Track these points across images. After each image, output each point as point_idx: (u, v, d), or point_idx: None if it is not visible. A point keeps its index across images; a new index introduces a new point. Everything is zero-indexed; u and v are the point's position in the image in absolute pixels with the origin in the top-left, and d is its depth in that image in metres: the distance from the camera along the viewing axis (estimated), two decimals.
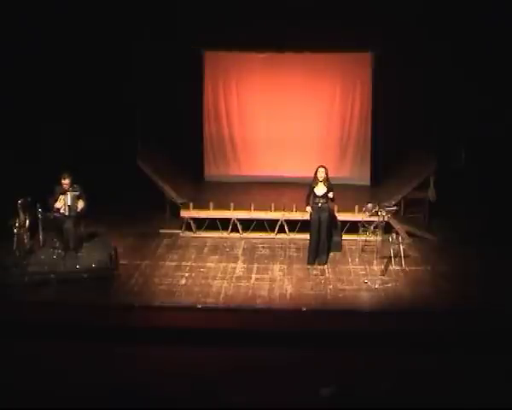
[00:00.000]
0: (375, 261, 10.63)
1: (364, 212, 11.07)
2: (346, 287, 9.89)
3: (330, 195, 10.54)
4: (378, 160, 14.09)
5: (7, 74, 11.52)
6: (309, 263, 10.74)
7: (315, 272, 10.48)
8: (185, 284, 9.92)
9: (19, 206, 10.38)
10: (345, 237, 11.73)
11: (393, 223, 11.60)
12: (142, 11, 12.55)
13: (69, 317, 8.69)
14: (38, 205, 10.53)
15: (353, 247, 11.57)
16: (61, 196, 10.24)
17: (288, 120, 14.05)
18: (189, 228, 12.20)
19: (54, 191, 10.29)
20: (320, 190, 10.60)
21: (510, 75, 12.04)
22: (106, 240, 11.06)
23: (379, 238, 10.66)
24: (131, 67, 12.78)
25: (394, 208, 11.37)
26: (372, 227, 10.97)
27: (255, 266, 10.74)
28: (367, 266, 10.66)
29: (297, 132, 14.06)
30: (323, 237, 10.75)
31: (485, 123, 12.37)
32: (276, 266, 10.72)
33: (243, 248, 11.56)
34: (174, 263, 10.79)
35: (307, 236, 10.95)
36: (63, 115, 12.69)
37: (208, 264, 10.78)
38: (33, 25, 11.79)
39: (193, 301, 9.31)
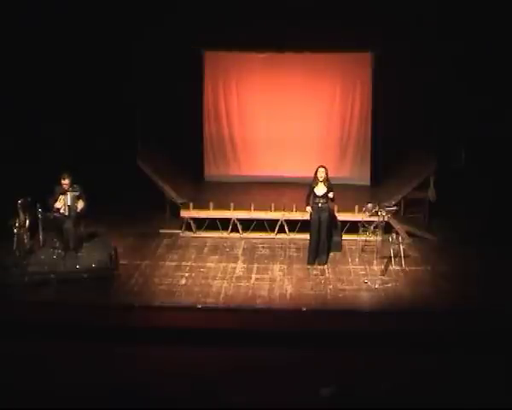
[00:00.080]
0: (375, 261, 10.63)
1: (364, 212, 11.08)
2: (346, 287, 9.89)
3: (330, 195, 10.54)
4: (378, 160, 14.09)
5: (7, 74, 11.52)
6: (309, 263, 10.74)
7: (315, 272, 10.48)
8: (185, 284, 9.92)
9: (19, 206, 10.38)
10: (345, 237, 11.73)
11: (393, 223, 11.60)
12: (142, 11, 12.55)
13: (69, 317, 8.69)
14: (38, 205, 10.53)
15: (353, 247, 11.57)
16: (61, 196, 10.25)
17: (288, 120, 14.05)
18: (189, 228, 12.20)
19: (54, 191, 10.29)
20: (320, 190, 10.60)
21: (510, 75, 12.03)
22: (106, 240, 11.06)
23: (379, 238, 10.66)
24: (131, 67, 12.78)
25: (394, 208, 11.37)
26: (372, 227, 10.97)
27: (255, 266, 10.75)
28: (367, 266, 10.66)
29: (297, 132, 14.06)
30: (323, 237, 10.75)
31: (485, 123, 12.36)
32: (276, 266, 10.72)
33: (243, 248, 11.56)
34: (174, 263, 10.79)
35: (307, 236, 10.95)
36: (63, 115, 12.69)
37: (208, 264, 10.78)
38: (33, 25, 11.79)
39: (193, 301, 9.31)
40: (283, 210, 12.04)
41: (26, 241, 10.50)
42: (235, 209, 12.09)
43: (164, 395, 6.15)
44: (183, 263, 10.80)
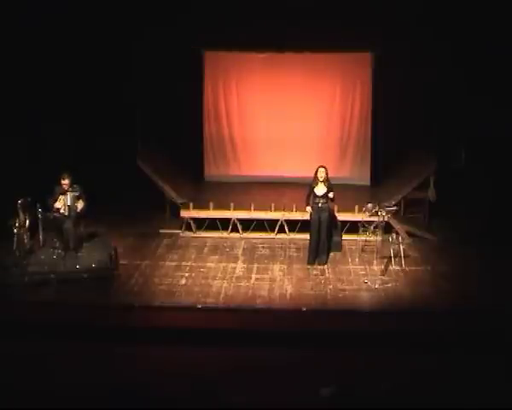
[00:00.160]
0: (375, 261, 10.63)
1: (364, 212, 11.08)
2: (346, 287, 9.89)
3: (330, 195, 10.54)
4: (378, 160, 14.09)
5: (7, 74, 11.52)
6: (309, 263, 10.74)
7: (315, 272, 10.48)
8: (185, 284, 9.92)
9: (19, 206, 10.38)
10: (345, 237, 11.73)
11: (393, 223, 11.60)
12: (142, 11, 12.55)
13: (69, 317, 8.69)
14: (38, 205, 10.53)
15: (353, 247, 11.57)
16: (61, 197, 10.25)
17: (287, 120, 14.05)
18: (189, 228, 12.20)
19: (54, 191, 10.29)
20: (320, 190, 10.60)
21: (510, 75, 12.03)
22: (106, 240, 11.06)
23: (379, 238, 10.66)
24: (131, 67, 12.79)
25: (394, 208, 11.37)
26: (372, 227, 10.97)
27: (255, 266, 10.75)
28: (367, 266, 10.66)
29: (297, 132, 14.06)
30: (323, 237, 10.75)
31: (485, 123, 12.36)
32: (276, 266, 10.72)
33: (243, 248, 11.56)
34: (174, 263, 10.79)
35: (307, 236, 10.95)
36: (63, 115, 12.69)
37: (208, 264, 10.78)
38: (33, 25, 11.79)
39: (193, 301, 9.31)
40: (283, 210, 12.04)
41: (26, 241, 10.49)
42: (235, 209, 12.09)
43: (164, 395, 6.15)
44: (183, 263, 10.80)
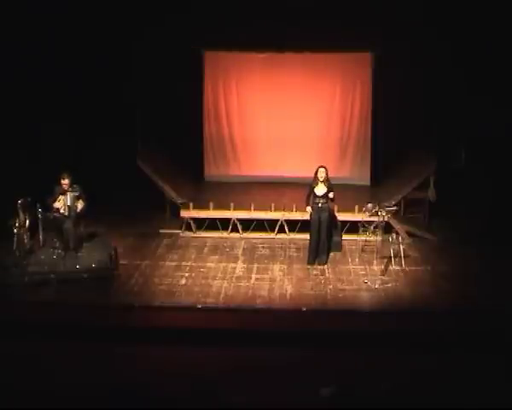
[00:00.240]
0: (375, 261, 10.63)
1: (364, 212, 11.08)
2: (346, 287, 9.89)
3: (331, 195, 10.54)
4: (378, 160, 14.09)
5: (7, 74, 11.51)
6: (309, 263, 10.74)
7: (315, 272, 10.48)
8: (185, 284, 9.92)
9: (19, 206, 10.37)
10: (345, 237, 11.73)
11: (393, 223, 11.60)
12: (142, 11, 12.55)
13: (69, 317, 8.69)
14: (38, 205, 10.53)
15: (353, 247, 11.57)
16: (61, 197, 10.25)
17: (288, 120, 14.05)
18: (189, 228, 12.20)
19: (54, 191, 10.28)
20: (320, 190, 10.60)
21: (510, 75, 12.03)
22: (106, 240, 11.06)
23: (379, 238, 10.66)
24: (131, 67, 12.79)
25: (394, 208, 11.37)
26: (372, 227, 10.97)
27: (255, 266, 10.75)
28: (367, 266, 10.66)
29: (297, 132, 14.05)
30: (323, 237, 10.75)
31: (485, 123, 12.37)
32: (276, 266, 10.72)
33: (243, 248, 11.56)
34: (174, 263, 10.79)
35: (307, 236, 10.95)
36: (63, 115, 12.69)
37: (208, 264, 10.78)
38: (34, 25, 11.79)
39: (193, 301, 9.31)
40: (283, 210, 12.04)
41: (26, 241, 10.49)
42: (235, 209, 12.09)
43: (164, 395, 6.15)
44: (183, 263, 10.80)
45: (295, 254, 11.26)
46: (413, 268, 10.59)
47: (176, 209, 12.53)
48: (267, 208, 12.09)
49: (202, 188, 13.95)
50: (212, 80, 14.26)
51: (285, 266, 10.72)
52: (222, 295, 9.53)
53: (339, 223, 11.63)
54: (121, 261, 10.54)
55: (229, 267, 10.63)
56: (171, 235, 12.17)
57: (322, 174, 10.55)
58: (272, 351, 7.75)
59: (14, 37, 11.59)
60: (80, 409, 6.27)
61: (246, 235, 12.04)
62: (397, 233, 11.27)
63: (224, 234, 12.11)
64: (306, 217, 10.97)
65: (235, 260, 11.01)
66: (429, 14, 12.39)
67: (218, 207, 12.17)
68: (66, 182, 10.21)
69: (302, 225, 11.65)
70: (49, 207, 10.41)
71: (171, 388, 6.38)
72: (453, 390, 6.80)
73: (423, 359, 7.66)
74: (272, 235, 12.04)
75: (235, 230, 12.11)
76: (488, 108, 12.32)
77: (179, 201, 12.43)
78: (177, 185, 12.87)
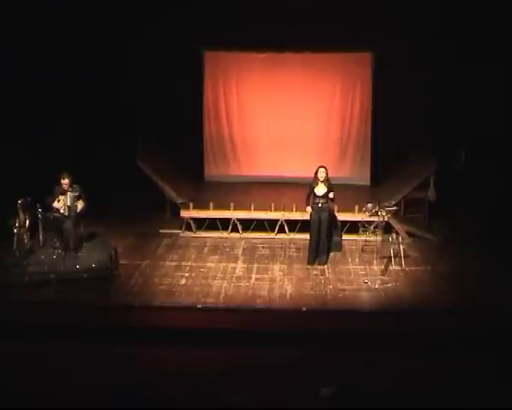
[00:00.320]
0: (375, 261, 10.63)
1: (364, 212, 11.08)
2: (346, 287, 9.89)
3: (331, 195, 10.54)
4: (378, 160, 14.09)
5: (7, 74, 11.51)
6: (309, 263, 10.74)
7: (315, 272, 10.48)
8: (185, 284, 9.92)
9: (19, 206, 10.37)
10: (345, 237, 11.73)
11: (393, 223, 11.60)
12: (142, 11, 12.55)
13: (69, 317, 8.69)
14: (38, 205, 10.53)
15: (353, 247, 11.57)
16: (61, 197, 10.24)
17: (288, 120, 14.05)
18: (189, 228, 12.20)
19: (54, 191, 10.28)
20: (320, 190, 10.60)
21: (510, 75, 12.03)
22: (106, 240, 11.06)
23: (379, 238, 10.66)
24: (131, 67, 12.78)
25: (394, 208, 11.37)
26: (372, 227, 10.97)
27: (255, 266, 10.74)
28: (367, 266, 10.66)
29: (297, 132, 14.06)
30: (323, 237, 10.75)
31: (485, 123, 12.36)
32: (276, 266, 10.72)
33: (243, 248, 11.56)
34: (174, 263, 10.79)
35: (307, 236, 10.95)
36: (63, 115, 12.68)
37: (208, 264, 10.78)
38: (34, 25, 11.79)
39: (193, 301, 9.31)
40: (283, 210, 12.04)
41: (26, 241, 10.49)
42: (235, 209, 12.09)
43: (164, 395, 6.15)
44: (183, 263, 10.80)
45: (295, 254, 11.26)
46: (413, 268, 10.59)
47: (176, 209, 12.53)
48: (267, 208, 12.09)
49: (202, 188, 13.95)
50: (212, 80, 14.26)
51: (285, 266, 10.72)
52: (222, 295, 9.53)
53: (339, 223, 11.63)
54: (121, 261, 10.54)
55: (229, 267, 10.63)
56: (171, 235, 12.17)
57: (322, 174, 10.55)
58: (272, 351, 7.75)
59: (15, 37, 11.59)
60: (80, 409, 6.26)
61: (246, 235, 12.04)
62: (397, 233, 11.27)
63: (224, 234, 12.11)
64: (306, 217, 10.97)
65: (235, 260, 11.01)
66: (429, 14, 12.39)
67: (218, 207, 12.17)
68: (66, 182, 10.21)
69: (302, 225, 11.65)
70: (48, 207, 10.40)
71: (171, 388, 6.37)
72: (453, 390, 6.80)
73: (423, 359, 7.66)
74: (272, 235, 12.04)
75: (235, 230, 12.11)
76: (488, 108, 12.31)
77: (179, 201, 12.43)
78: (177, 185, 12.87)
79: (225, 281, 10.05)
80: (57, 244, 10.42)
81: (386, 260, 10.60)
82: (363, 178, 14.19)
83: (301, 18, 12.69)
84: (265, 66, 14.06)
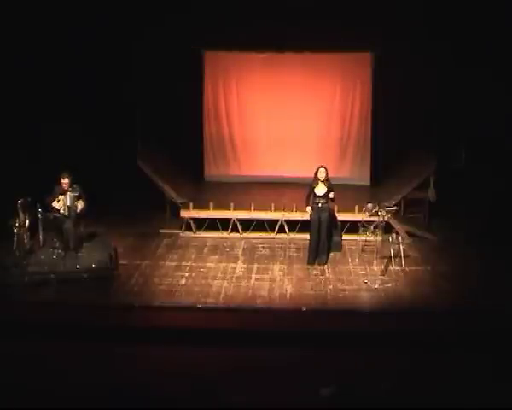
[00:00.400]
0: (375, 261, 10.63)
1: (364, 212, 11.08)
2: (346, 287, 9.89)
3: (331, 195, 10.54)
4: (378, 160, 14.09)
5: (7, 74, 11.52)
6: (309, 263, 10.74)
7: (315, 272, 10.48)
8: (185, 284, 9.92)
9: (19, 206, 10.37)
10: (345, 237, 11.73)
11: (393, 223, 11.60)
12: (142, 11, 12.55)
13: (69, 317, 8.69)
14: (38, 205, 10.53)
15: (353, 247, 11.57)
16: (61, 197, 10.25)
17: (288, 120, 14.05)
18: (189, 228, 12.20)
19: (53, 191, 10.28)
20: (320, 190, 10.60)
21: (510, 75, 12.03)
22: (106, 240, 11.06)
23: (379, 238, 10.66)
24: (131, 67, 12.78)
25: (394, 208, 11.37)
26: (372, 227, 10.97)
27: (255, 266, 10.74)
28: (367, 266, 10.66)
29: (297, 132, 14.06)
30: (323, 237, 10.75)
31: (485, 123, 12.36)
32: (276, 266, 10.72)
33: (243, 248, 11.56)
34: (174, 263, 10.79)
35: (307, 236, 10.95)
36: (63, 115, 12.68)
37: (208, 264, 10.78)
38: (34, 25, 11.78)
39: (193, 301, 9.31)
40: (283, 210, 12.04)
41: (26, 241, 10.49)
42: (235, 209, 12.09)
43: (164, 395, 6.15)
44: (183, 263, 10.80)
45: (295, 254, 11.26)
46: (413, 268, 10.59)
47: (176, 209, 12.53)
48: (267, 208, 12.09)
49: (202, 188, 13.95)
50: (212, 80, 14.26)
51: (285, 266, 10.72)
52: (222, 295, 9.53)
53: (339, 223, 11.63)
54: (121, 261, 10.54)
55: (229, 267, 10.63)
56: (171, 235, 12.17)
57: (322, 174, 10.55)
58: (272, 351, 7.75)
59: (15, 37, 11.59)
60: (80, 409, 6.27)
61: (246, 235, 12.04)
62: (397, 233, 11.27)
63: (224, 234, 12.11)
64: (306, 217, 10.97)
65: (235, 260, 11.01)
66: (429, 14, 12.39)
67: (218, 207, 12.17)
68: (66, 182, 10.22)
69: (302, 225, 11.65)
70: (48, 207, 10.40)
71: (171, 388, 6.38)
72: (453, 390, 6.80)
73: (423, 359, 7.66)
74: (272, 235, 12.04)
75: (235, 230, 12.11)
76: (488, 108, 12.31)
77: (179, 201, 12.44)
78: (177, 185, 12.87)
79: (225, 281, 10.05)
80: (57, 244, 10.42)
81: (386, 260, 10.60)
82: (363, 178, 14.19)
83: (301, 18, 12.69)
84: (265, 66, 14.06)
